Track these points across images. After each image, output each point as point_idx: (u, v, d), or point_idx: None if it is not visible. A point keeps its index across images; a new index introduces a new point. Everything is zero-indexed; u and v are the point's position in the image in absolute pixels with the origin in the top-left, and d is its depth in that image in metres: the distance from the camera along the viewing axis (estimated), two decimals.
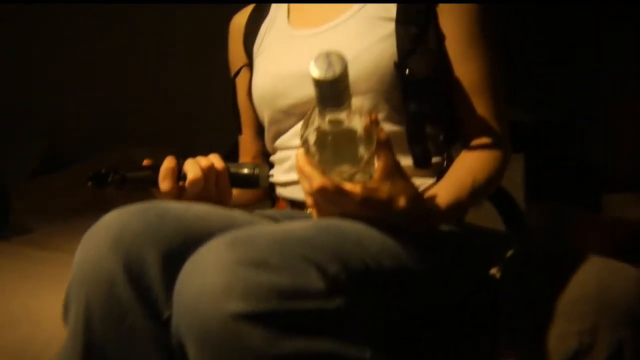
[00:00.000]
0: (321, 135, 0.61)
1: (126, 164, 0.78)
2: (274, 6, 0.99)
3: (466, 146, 0.85)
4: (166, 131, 2.15)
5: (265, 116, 0.94)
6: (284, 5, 0.97)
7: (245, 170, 0.82)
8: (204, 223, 0.68)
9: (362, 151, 0.62)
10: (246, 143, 1.07)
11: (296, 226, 0.63)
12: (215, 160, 0.79)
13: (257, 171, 0.83)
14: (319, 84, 0.56)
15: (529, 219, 2.22)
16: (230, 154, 1.12)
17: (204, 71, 1.96)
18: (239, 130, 1.05)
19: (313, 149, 0.62)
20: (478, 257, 0.86)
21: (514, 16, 2.05)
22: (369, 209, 0.64)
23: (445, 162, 0.85)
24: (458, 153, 0.87)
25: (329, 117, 0.59)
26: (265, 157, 1.03)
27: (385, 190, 0.64)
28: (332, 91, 0.56)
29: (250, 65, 0.98)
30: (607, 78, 2.29)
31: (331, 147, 0.62)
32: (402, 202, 0.66)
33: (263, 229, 0.62)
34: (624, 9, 2.21)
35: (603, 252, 2.05)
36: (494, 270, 0.90)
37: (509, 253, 0.93)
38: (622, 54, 2.26)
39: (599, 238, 2.09)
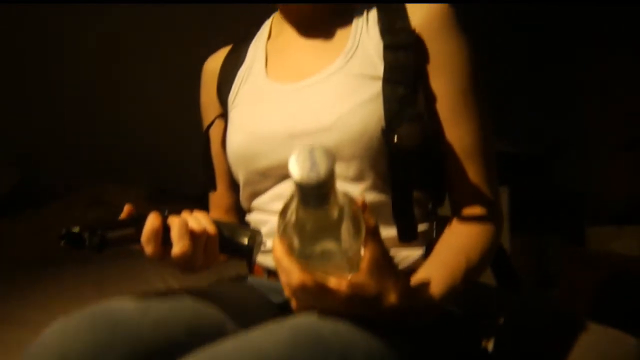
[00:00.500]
0: (301, 224, 0.54)
1: (103, 221, 0.67)
2: (250, 51, 0.92)
3: (457, 214, 0.79)
4: (138, 166, 2.06)
5: (240, 176, 0.87)
6: (262, 53, 0.90)
7: (240, 238, 0.72)
8: (164, 330, 0.60)
9: (348, 240, 0.55)
10: (218, 196, 0.98)
11: (269, 342, 0.55)
12: (205, 221, 0.69)
13: (252, 241, 0.72)
14: (300, 186, 0.49)
15: (513, 251, 2.19)
16: (204, 197, 1.03)
17: (177, 107, 1.88)
18: (211, 186, 0.97)
19: (292, 238, 0.55)
20: (468, 332, 0.80)
21: (497, 48, 2.02)
22: (355, 307, 0.58)
23: (434, 231, 0.79)
24: (446, 219, 0.80)
25: (311, 210, 0.52)
26: (238, 212, 0.95)
27: (373, 285, 0.58)
28: (315, 193, 0.49)
29: (224, 115, 0.91)
30: (589, 111, 2.28)
31: (312, 237, 0.55)
32: (392, 298, 0.59)
33: (229, 350, 0.54)
34: (604, 43, 2.21)
35: (589, 288, 2.02)
36: (485, 343, 0.84)
37: (501, 321, 0.87)
38: (604, 87, 2.25)
39: (583, 273, 2.06)
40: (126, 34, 2.07)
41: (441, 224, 0.81)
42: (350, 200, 0.56)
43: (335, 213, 0.53)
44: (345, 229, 0.55)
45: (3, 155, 2.09)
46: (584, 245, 2.25)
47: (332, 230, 0.55)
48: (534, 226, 2.25)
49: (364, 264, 0.58)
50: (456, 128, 0.78)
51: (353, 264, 0.58)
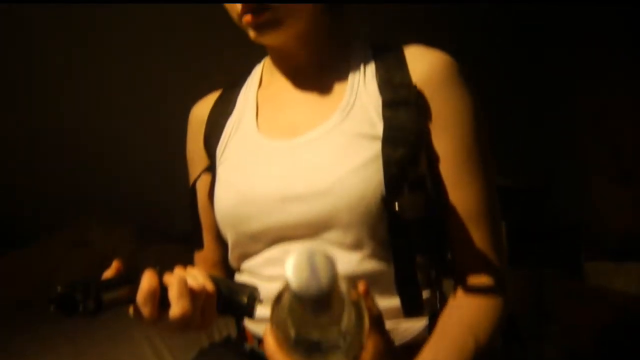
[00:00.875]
0: (297, 315, 0.49)
1: (94, 280, 0.60)
2: (240, 100, 0.86)
3: (461, 284, 0.74)
4: (123, 203, 1.99)
5: (228, 236, 0.81)
6: (252, 102, 0.84)
7: (239, 297, 0.67)
8: None
9: (349, 331, 0.50)
10: (205, 250, 0.92)
11: None
12: (203, 279, 0.64)
13: (251, 300, 0.66)
14: (298, 297, 0.43)
15: (510, 286, 2.14)
16: (192, 235, 0.94)
17: (163, 143, 1.82)
18: (198, 243, 0.91)
19: (287, 326, 0.49)
20: None
21: (490, 81, 1.99)
22: None
23: (438, 301, 0.74)
24: (449, 289, 0.75)
25: (309, 312, 0.46)
26: (226, 268, 0.89)
27: None
28: (315, 303, 0.44)
29: (212, 168, 0.85)
30: (583, 143, 2.25)
31: (309, 328, 0.49)
32: None
33: None
34: (598, 75, 2.19)
35: (588, 325, 1.97)
36: None
37: None
38: (597, 119, 2.23)
39: (582, 309, 2.01)
40: (111, 73, 2.02)
41: (444, 295, 0.76)
42: (351, 286, 0.51)
43: (335, 306, 0.48)
44: (347, 317, 0.50)
45: None
46: (582, 280, 2.21)
47: (331, 320, 0.49)
48: (531, 260, 2.20)
49: (367, 356, 0.52)
50: (460, 190, 0.73)
51: (354, 356, 0.52)
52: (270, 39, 0.75)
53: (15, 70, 1.99)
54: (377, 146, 0.71)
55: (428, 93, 0.74)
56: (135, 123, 1.96)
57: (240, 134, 0.83)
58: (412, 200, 0.66)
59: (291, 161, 0.75)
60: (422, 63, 0.75)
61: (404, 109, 0.73)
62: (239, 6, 0.72)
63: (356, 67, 0.79)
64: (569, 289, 2.13)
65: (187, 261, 0.78)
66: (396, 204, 0.66)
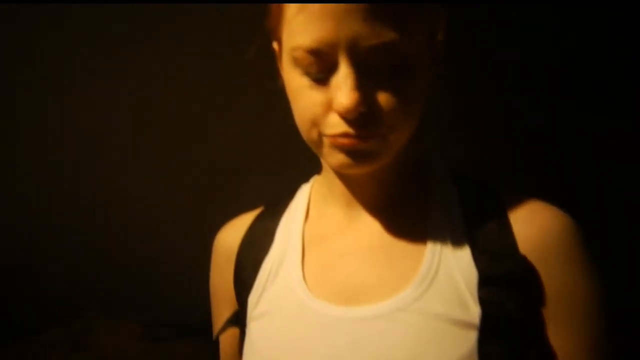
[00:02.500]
0: None
1: None
2: (280, 235, 0.68)
3: None
4: (131, 295, 1.76)
5: None
6: (297, 241, 0.66)
7: None
8: None
9: None
10: None
11: None
12: None
13: None
14: None
15: None
16: (208, 328, 0.79)
17: (177, 224, 1.68)
18: None
19: None
20: None
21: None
22: None
23: None
24: None
25: None
26: None
27: None
28: None
29: (241, 319, 0.68)
30: None
31: None
32: None
33: None
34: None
35: None
36: None
37: None
38: None
39: None
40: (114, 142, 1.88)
41: None
42: None
43: None
44: None
45: None
46: None
47: None
48: None
49: None
50: None
51: None
52: (360, 171, 0.58)
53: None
54: (470, 338, 0.54)
55: (541, 268, 0.57)
56: (148, 193, 1.79)
57: (280, 283, 0.65)
58: None
59: (351, 341, 0.57)
60: (532, 226, 0.59)
61: (507, 289, 0.56)
62: (318, 113, 0.55)
63: (438, 215, 0.62)
64: None
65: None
66: None
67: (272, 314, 0.63)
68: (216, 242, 0.74)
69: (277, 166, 1.57)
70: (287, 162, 1.31)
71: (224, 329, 0.70)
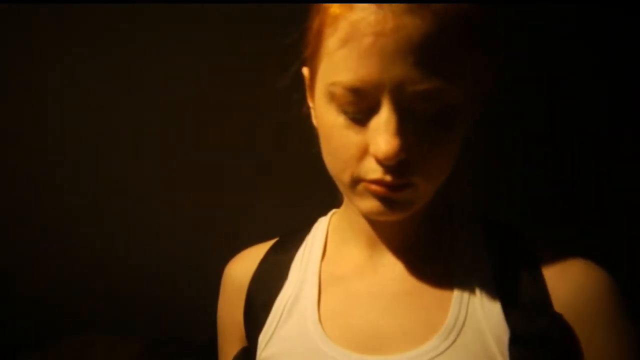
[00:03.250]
0: None
1: None
2: (295, 272, 0.65)
3: None
4: (131, 310, 1.68)
5: None
6: (312, 280, 0.63)
7: None
8: None
9: None
10: None
11: None
12: None
13: None
14: None
15: None
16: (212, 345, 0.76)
17: (179, 236, 1.62)
18: None
19: None
20: None
21: None
22: None
23: None
24: None
25: None
26: None
27: None
28: None
29: (250, 356, 0.65)
30: None
31: None
32: None
33: None
34: None
35: None
36: None
37: None
38: None
39: None
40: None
41: None
42: None
43: None
44: None
45: None
46: None
47: None
48: None
49: None
50: None
51: None
52: (390, 219, 0.55)
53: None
54: None
55: (576, 328, 0.54)
56: (148, 212, 1.72)
57: (294, 323, 0.62)
58: None
59: None
60: (568, 281, 0.56)
61: (542, 350, 0.52)
62: (353, 155, 0.52)
63: (465, 262, 0.59)
64: None
65: None
66: None
67: (284, 357, 0.59)
68: (226, 275, 0.71)
69: (292, 191, 1.50)
70: (302, 188, 1.25)
71: None
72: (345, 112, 0.51)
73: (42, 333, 1.60)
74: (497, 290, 0.55)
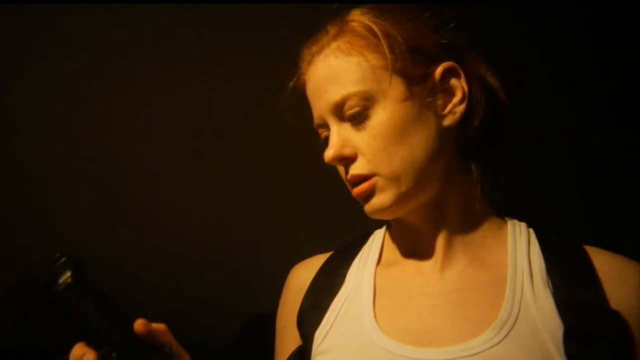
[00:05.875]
0: None
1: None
2: (352, 276, 0.70)
3: None
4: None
5: None
6: (368, 282, 0.68)
7: None
8: None
9: None
10: None
11: None
12: None
13: None
14: None
15: None
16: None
17: (194, 235, 1.60)
18: None
19: None
20: None
21: None
22: None
23: None
24: None
25: None
26: None
27: None
28: None
29: (305, 354, 0.69)
30: None
31: None
32: None
33: None
34: None
35: None
36: None
37: None
38: None
39: None
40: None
41: None
42: None
43: None
44: None
45: None
46: None
47: None
48: None
49: None
50: None
51: None
52: (380, 214, 0.66)
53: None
54: None
55: (633, 326, 0.56)
56: (162, 217, 1.71)
57: (349, 320, 0.66)
58: None
59: None
60: (625, 283, 0.58)
61: (599, 345, 0.54)
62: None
63: (518, 263, 0.62)
64: None
65: None
66: None
67: (339, 350, 0.63)
68: (289, 278, 0.78)
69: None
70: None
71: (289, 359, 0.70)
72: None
73: (64, 340, 1.60)
74: (549, 288, 0.58)
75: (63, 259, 0.48)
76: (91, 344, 0.49)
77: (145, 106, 1.65)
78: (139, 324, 0.48)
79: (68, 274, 0.48)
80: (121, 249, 1.67)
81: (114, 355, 0.48)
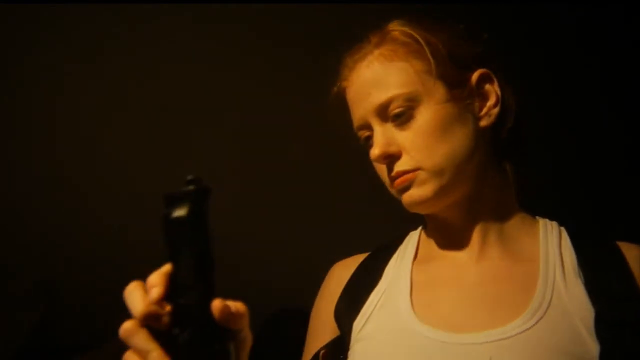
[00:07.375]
0: None
1: None
2: (389, 271, 0.75)
3: None
4: None
5: None
6: (405, 276, 0.72)
7: None
8: None
9: None
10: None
11: None
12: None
13: None
14: None
15: None
16: None
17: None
18: None
19: None
20: None
21: None
22: None
23: None
24: None
25: None
26: None
27: None
28: None
29: (342, 341, 0.72)
30: None
31: None
32: None
33: None
34: None
35: None
36: None
37: None
38: None
39: None
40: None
41: None
42: None
43: None
44: None
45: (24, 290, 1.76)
46: None
47: None
48: None
49: None
50: None
51: None
52: (420, 207, 0.71)
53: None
54: None
55: None
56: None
57: (388, 310, 0.70)
58: None
59: None
60: None
61: (630, 332, 0.56)
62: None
63: (549, 252, 0.67)
64: None
65: None
66: None
67: (378, 336, 0.67)
68: (330, 272, 0.82)
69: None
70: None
71: (325, 347, 0.73)
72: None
73: (88, 337, 1.61)
74: (581, 278, 0.61)
75: (190, 187, 0.41)
76: (169, 298, 0.42)
77: (145, 106, 1.64)
78: (218, 308, 0.40)
79: (185, 208, 0.41)
80: (122, 249, 1.68)
81: (185, 333, 0.40)
